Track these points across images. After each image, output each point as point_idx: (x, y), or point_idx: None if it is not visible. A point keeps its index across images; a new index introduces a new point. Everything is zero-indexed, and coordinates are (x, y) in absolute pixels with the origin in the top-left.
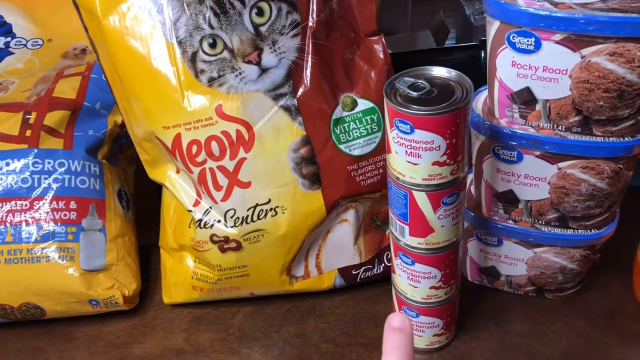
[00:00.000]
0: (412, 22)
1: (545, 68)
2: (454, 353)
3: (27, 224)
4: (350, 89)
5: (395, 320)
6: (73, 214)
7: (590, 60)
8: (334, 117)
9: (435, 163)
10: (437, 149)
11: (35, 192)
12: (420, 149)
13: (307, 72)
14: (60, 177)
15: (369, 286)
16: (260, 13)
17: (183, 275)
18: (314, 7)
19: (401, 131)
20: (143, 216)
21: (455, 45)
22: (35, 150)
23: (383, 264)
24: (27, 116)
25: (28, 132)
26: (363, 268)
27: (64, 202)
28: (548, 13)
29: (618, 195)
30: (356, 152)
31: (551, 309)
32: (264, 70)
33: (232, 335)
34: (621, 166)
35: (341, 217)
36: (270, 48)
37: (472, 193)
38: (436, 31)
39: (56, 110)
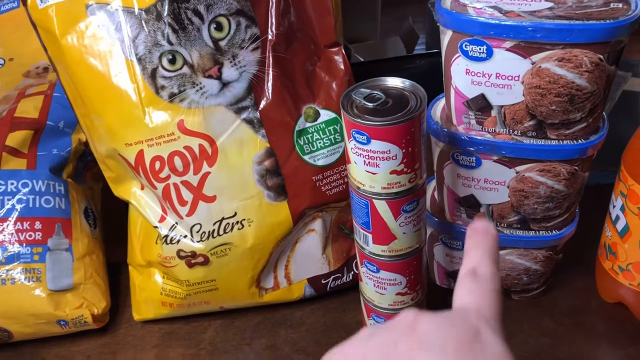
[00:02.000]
0: (381, 28)
1: (498, 75)
2: None
3: None
4: (312, 100)
5: (479, 225)
6: (38, 235)
7: (540, 66)
8: (297, 128)
9: (393, 172)
10: (394, 158)
11: None
12: (378, 158)
13: (269, 85)
14: (24, 198)
15: (338, 295)
16: (219, 28)
17: (152, 291)
18: (273, 21)
19: (358, 142)
20: (112, 233)
21: (418, 53)
22: None
23: (352, 272)
24: None
25: None
26: (332, 277)
27: (28, 222)
28: (498, 22)
29: (576, 196)
30: (320, 162)
31: (518, 310)
32: (225, 85)
33: (203, 349)
34: (577, 168)
35: (308, 227)
36: (231, 62)
37: (435, 199)
38: (406, 37)
39: (18, 130)
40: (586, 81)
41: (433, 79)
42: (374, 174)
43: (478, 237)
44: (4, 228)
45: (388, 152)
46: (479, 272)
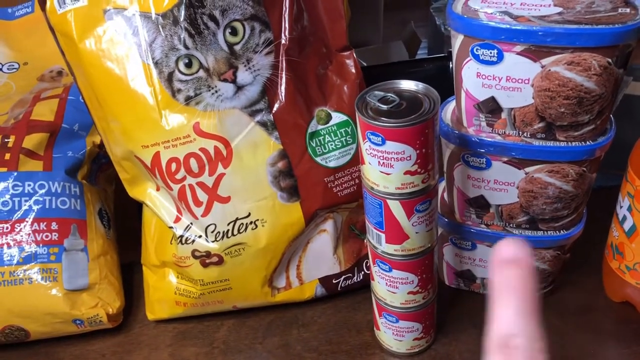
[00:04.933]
0: (384, 32)
1: (508, 78)
2: (434, 356)
3: (9, 246)
4: (324, 103)
5: (506, 250)
6: (55, 235)
7: (550, 70)
8: (309, 130)
9: (407, 172)
10: (408, 158)
11: (16, 214)
12: (392, 159)
13: (282, 88)
14: (41, 199)
15: (349, 294)
16: (234, 32)
17: (166, 291)
18: (286, 25)
19: (373, 143)
20: (125, 234)
21: (425, 57)
22: (15, 173)
23: (362, 272)
24: (6, 140)
25: (7, 156)
26: (343, 277)
27: (45, 223)
28: (508, 26)
29: (583, 197)
30: (332, 164)
31: None
32: (239, 88)
33: (216, 348)
34: (585, 169)
35: (320, 228)
36: (245, 66)
37: (445, 200)
38: (408, 42)
39: (34, 133)
40: (595, 84)
41: (440, 83)
42: (388, 174)
43: (506, 274)
44: (21, 229)
45: (402, 152)
46: (513, 343)
